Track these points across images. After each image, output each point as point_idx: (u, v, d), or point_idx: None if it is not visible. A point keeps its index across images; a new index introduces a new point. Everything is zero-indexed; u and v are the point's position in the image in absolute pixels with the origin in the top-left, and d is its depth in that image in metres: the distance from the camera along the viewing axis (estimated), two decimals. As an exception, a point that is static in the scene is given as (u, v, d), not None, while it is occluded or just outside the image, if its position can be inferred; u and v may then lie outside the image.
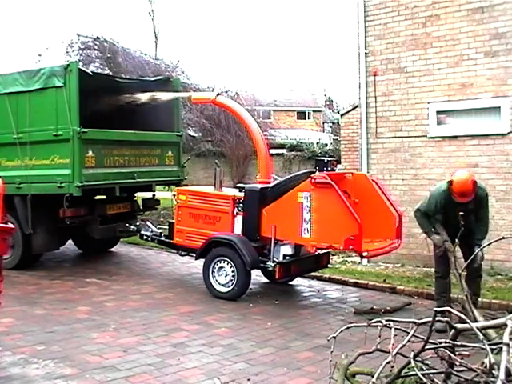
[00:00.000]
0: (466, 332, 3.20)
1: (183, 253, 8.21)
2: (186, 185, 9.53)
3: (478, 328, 2.93)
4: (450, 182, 5.98)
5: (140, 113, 9.18)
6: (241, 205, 7.40)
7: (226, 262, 7.15)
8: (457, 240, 5.39)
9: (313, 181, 6.60)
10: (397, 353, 3.03)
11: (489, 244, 5.84)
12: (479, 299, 6.33)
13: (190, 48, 71.86)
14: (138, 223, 9.45)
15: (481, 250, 5.61)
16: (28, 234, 8.50)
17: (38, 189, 8.33)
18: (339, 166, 12.43)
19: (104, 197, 9.25)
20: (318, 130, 44.90)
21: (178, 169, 9.84)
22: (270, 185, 7.46)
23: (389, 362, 2.99)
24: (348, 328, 3.55)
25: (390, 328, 3.22)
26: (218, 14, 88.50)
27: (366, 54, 9.42)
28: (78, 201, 8.28)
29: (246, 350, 5.31)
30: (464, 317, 3.10)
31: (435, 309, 3.10)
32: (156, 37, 37.76)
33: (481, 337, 2.88)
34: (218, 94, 8.72)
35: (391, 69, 9.22)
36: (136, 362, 4.93)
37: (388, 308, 6.61)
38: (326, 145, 27.76)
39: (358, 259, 9.24)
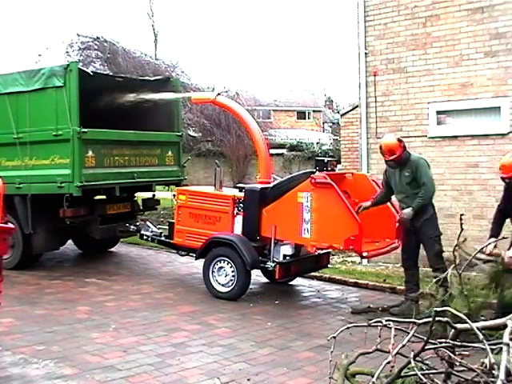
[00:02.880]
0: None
1: (183, 253, 8.21)
2: (186, 185, 9.54)
3: (477, 328, 2.93)
4: (380, 146, 6.67)
5: (140, 113, 9.18)
6: (241, 205, 7.40)
7: (226, 262, 7.15)
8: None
9: (313, 181, 6.60)
10: (397, 353, 3.03)
11: (489, 244, 5.85)
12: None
13: (190, 48, 71.96)
14: (137, 223, 9.45)
15: (413, 209, 6.29)
16: (28, 234, 8.50)
17: (38, 189, 8.33)
18: (339, 166, 12.43)
19: (104, 197, 9.25)
20: (317, 130, 44.93)
21: (178, 169, 9.83)
22: (270, 185, 7.46)
23: (389, 362, 2.99)
24: (348, 328, 3.55)
25: (390, 328, 3.22)
26: (217, 13, 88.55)
27: (365, 53, 9.42)
28: (78, 201, 8.28)
29: (245, 350, 5.31)
30: (464, 317, 3.09)
31: (435, 309, 3.10)
32: (155, 37, 37.79)
33: (481, 337, 2.88)
34: (218, 94, 8.72)
35: (391, 69, 9.22)
36: (136, 362, 4.93)
37: (385, 306, 6.62)
38: (326, 145, 27.78)
39: (358, 259, 9.24)
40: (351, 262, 9.39)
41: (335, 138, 27.72)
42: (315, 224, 6.59)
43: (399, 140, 6.54)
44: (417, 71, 8.96)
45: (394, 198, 7.79)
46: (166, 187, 10.26)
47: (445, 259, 6.34)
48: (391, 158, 6.50)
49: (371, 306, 6.72)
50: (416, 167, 6.45)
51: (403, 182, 6.52)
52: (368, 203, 6.77)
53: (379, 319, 3.38)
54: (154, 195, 10.08)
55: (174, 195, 8.26)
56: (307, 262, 7.57)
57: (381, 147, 6.65)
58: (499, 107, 8.28)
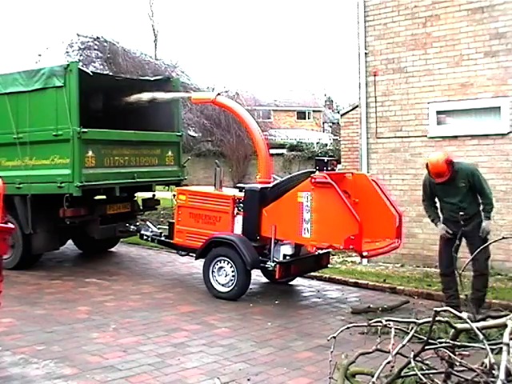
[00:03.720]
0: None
1: (183, 253, 8.21)
2: (186, 185, 9.53)
3: (477, 328, 2.93)
4: (427, 164, 6.40)
5: (140, 113, 9.17)
6: (241, 205, 7.40)
7: (226, 262, 7.15)
8: (457, 241, 5.47)
9: (313, 181, 6.60)
10: (397, 353, 3.03)
11: (489, 244, 5.86)
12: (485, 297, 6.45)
13: (190, 48, 71.97)
14: (137, 223, 9.45)
15: (489, 218, 6.12)
16: (28, 234, 8.50)
17: (38, 189, 8.33)
18: (339, 166, 12.43)
19: (104, 197, 9.25)
20: (317, 130, 44.92)
21: (178, 169, 9.83)
22: (270, 185, 7.45)
23: (389, 362, 2.99)
24: (348, 328, 3.55)
25: (390, 328, 3.22)
26: (217, 14, 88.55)
27: (365, 53, 9.42)
28: (78, 201, 8.28)
29: (245, 350, 5.31)
30: (464, 317, 3.09)
31: (435, 309, 3.10)
32: (155, 37, 37.83)
33: (481, 337, 2.88)
34: (218, 94, 8.72)
35: (391, 69, 9.22)
36: (136, 362, 4.93)
37: (385, 306, 6.63)
38: (326, 145, 27.78)
39: (358, 259, 9.24)
40: (351, 262, 9.39)
41: (335, 138, 27.73)
42: (315, 224, 6.59)
43: (447, 162, 6.22)
44: (417, 71, 8.96)
45: (393, 197, 7.82)
46: (166, 187, 10.26)
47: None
48: (440, 181, 6.30)
49: (371, 306, 6.72)
50: (472, 177, 6.28)
51: (459, 191, 6.31)
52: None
53: (379, 319, 3.38)
54: (153, 195, 10.09)
55: (174, 195, 8.26)
56: (307, 262, 7.57)
57: (427, 166, 6.42)
58: (499, 107, 8.28)
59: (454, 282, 6.36)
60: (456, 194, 6.34)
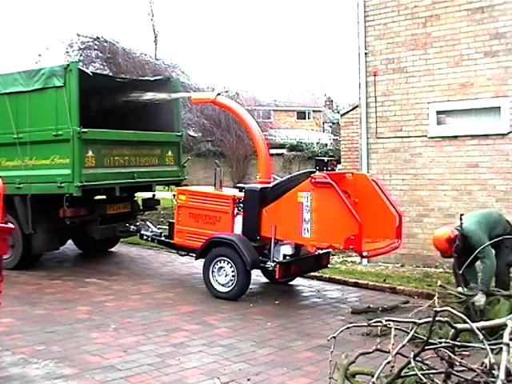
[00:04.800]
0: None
1: (183, 253, 8.21)
2: (186, 185, 9.53)
3: (477, 328, 2.93)
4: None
5: (140, 113, 9.17)
6: (241, 205, 7.40)
7: (226, 262, 7.15)
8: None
9: (313, 181, 6.60)
10: (397, 353, 3.03)
11: (489, 244, 5.85)
12: None
13: (190, 48, 71.97)
14: (137, 223, 9.45)
15: (482, 292, 5.69)
16: (28, 234, 8.50)
17: (38, 189, 8.32)
18: (339, 166, 12.43)
19: (104, 197, 9.25)
20: (318, 130, 44.91)
21: (178, 169, 9.83)
22: (270, 185, 7.46)
23: (389, 362, 2.99)
24: (348, 328, 3.55)
25: (390, 328, 3.22)
26: (217, 14, 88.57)
27: (365, 53, 9.42)
28: (78, 201, 8.27)
29: (245, 350, 5.31)
30: (464, 317, 3.09)
31: (435, 309, 3.10)
32: (155, 37, 37.78)
33: (481, 337, 2.88)
34: (218, 94, 8.72)
35: (391, 69, 9.22)
36: (136, 362, 4.93)
37: (385, 306, 6.63)
38: (326, 145, 27.78)
39: (358, 259, 9.24)
40: (351, 262, 9.39)
41: (335, 138, 27.71)
42: (315, 224, 6.59)
43: (448, 241, 5.97)
44: (417, 71, 8.96)
45: (393, 197, 7.82)
46: (166, 187, 10.26)
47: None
48: (444, 255, 6.18)
49: (371, 306, 6.72)
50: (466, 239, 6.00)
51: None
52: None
53: (379, 319, 3.38)
54: (154, 195, 10.08)
55: (174, 195, 8.26)
56: (307, 262, 7.57)
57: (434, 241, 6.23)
58: (499, 107, 8.28)
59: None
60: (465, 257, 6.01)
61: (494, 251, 6.00)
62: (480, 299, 5.69)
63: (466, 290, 5.93)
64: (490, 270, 5.84)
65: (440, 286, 5.90)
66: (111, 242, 10.35)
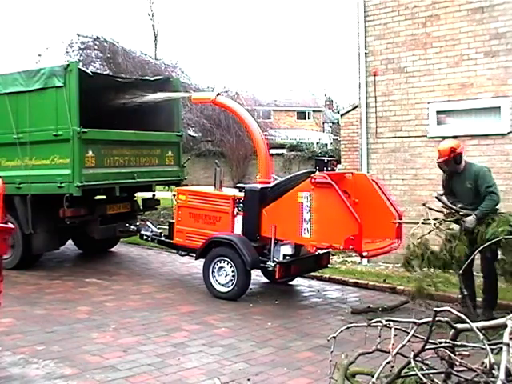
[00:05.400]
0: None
1: (183, 253, 8.21)
2: (186, 185, 9.53)
3: (477, 328, 2.93)
4: None
5: (140, 113, 9.17)
6: (241, 205, 7.40)
7: (226, 262, 7.15)
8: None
9: (313, 181, 6.60)
10: (397, 353, 3.03)
11: (488, 244, 5.85)
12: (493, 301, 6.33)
13: (190, 48, 71.98)
14: (137, 223, 9.45)
15: (475, 216, 6.02)
16: (28, 234, 8.50)
17: (38, 189, 8.33)
18: (339, 166, 12.43)
19: (104, 197, 9.25)
20: (317, 130, 44.93)
21: (178, 169, 9.83)
22: (270, 185, 7.46)
23: (389, 362, 2.99)
24: (348, 328, 3.54)
25: (390, 328, 3.22)
26: (217, 13, 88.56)
27: (365, 53, 9.42)
28: (78, 201, 8.28)
29: (245, 350, 5.31)
30: (464, 317, 3.09)
31: (435, 309, 3.09)
32: (155, 37, 37.78)
33: (481, 337, 2.88)
34: (218, 94, 8.72)
35: (391, 69, 9.22)
36: (136, 362, 4.93)
37: (385, 306, 6.63)
38: (326, 145, 27.78)
39: (358, 259, 9.23)
40: (351, 262, 9.39)
41: (335, 138, 27.71)
42: (315, 224, 6.59)
43: (452, 149, 6.26)
44: (417, 71, 8.96)
45: (393, 197, 7.81)
46: (166, 187, 10.26)
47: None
48: (438, 160, 6.45)
49: (371, 306, 6.72)
50: (476, 179, 6.23)
51: (467, 193, 6.31)
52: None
53: (379, 319, 3.38)
54: (154, 195, 10.09)
55: (174, 195, 8.26)
56: (307, 262, 7.57)
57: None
58: (499, 107, 8.28)
59: (471, 280, 6.33)
60: (464, 195, 6.32)
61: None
62: (471, 221, 6.03)
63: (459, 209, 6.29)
64: (494, 203, 6.11)
65: (423, 204, 6.40)
66: (111, 242, 10.35)
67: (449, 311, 3.13)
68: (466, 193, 6.33)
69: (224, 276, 7.18)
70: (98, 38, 16.14)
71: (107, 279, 8.28)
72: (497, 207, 6.22)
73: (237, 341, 5.58)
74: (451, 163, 6.32)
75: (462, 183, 6.36)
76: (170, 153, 9.67)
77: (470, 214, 6.11)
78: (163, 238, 8.46)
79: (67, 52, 15.91)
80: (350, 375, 3.51)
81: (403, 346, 3.05)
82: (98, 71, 14.26)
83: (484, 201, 6.13)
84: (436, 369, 3.27)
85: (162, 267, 9.32)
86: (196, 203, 7.82)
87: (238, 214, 7.44)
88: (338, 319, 6.41)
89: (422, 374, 3.08)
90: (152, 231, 8.82)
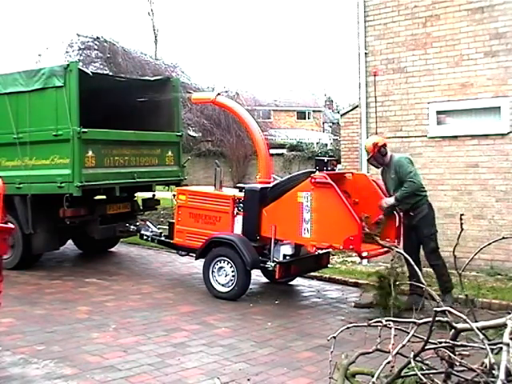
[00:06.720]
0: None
1: (183, 253, 8.21)
2: (186, 185, 9.53)
3: (477, 328, 2.93)
4: None
5: (140, 113, 9.17)
6: (241, 205, 7.40)
7: (226, 262, 7.15)
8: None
9: (313, 181, 6.60)
10: (397, 353, 3.03)
11: (489, 244, 5.84)
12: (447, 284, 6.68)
13: (190, 48, 71.99)
14: (137, 223, 9.45)
15: (395, 199, 6.58)
16: (28, 234, 8.50)
17: (38, 189, 8.32)
18: (339, 166, 12.42)
19: (104, 197, 9.25)
20: (318, 130, 44.94)
21: (178, 169, 9.83)
22: (270, 185, 7.46)
23: (389, 362, 2.99)
24: (348, 328, 3.54)
25: (390, 328, 3.22)
26: (218, 13, 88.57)
27: (365, 53, 9.42)
28: (78, 201, 8.27)
29: (246, 350, 5.31)
30: (464, 317, 3.09)
31: (435, 309, 3.09)
32: (156, 37, 37.73)
33: (481, 337, 2.88)
34: (218, 94, 8.72)
35: (391, 69, 9.22)
36: (136, 362, 4.93)
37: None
38: (326, 145, 27.78)
39: (358, 259, 9.22)
40: (351, 262, 9.38)
41: (335, 138, 27.72)
42: (315, 224, 6.59)
43: (374, 145, 6.75)
44: (417, 71, 8.96)
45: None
46: (166, 187, 10.26)
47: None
48: (367, 158, 6.99)
49: (375, 302, 6.69)
50: (398, 169, 6.67)
51: (392, 184, 6.74)
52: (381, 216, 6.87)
53: (379, 319, 3.38)
54: (153, 195, 10.08)
55: (174, 195, 8.26)
56: (307, 262, 7.57)
57: None
58: (499, 107, 8.28)
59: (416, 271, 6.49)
60: (391, 186, 6.77)
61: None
62: (389, 201, 6.66)
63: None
64: (412, 187, 6.54)
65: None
66: (111, 241, 10.35)
67: (449, 311, 3.13)
68: (392, 183, 6.75)
69: (224, 276, 7.18)
70: (97, 38, 16.14)
71: (107, 279, 8.27)
72: (423, 194, 6.67)
73: (237, 341, 5.58)
74: (379, 157, 6.79)
75: (389, 175, 6.80)
76: (170, 153, 9.67)
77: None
78: (163, 238, 8.46)
79: (67, 52, 15.92)
80: (350, 375, 3.51)
81: (403, 346, 3.05)
82: (98, 71, 14.25)
83: (405, 185, 6.59)
84: (436, 369, 3.28)
85: (161, 267, 9.32)
86: (196, 203, 7.82)
87: (237, 214, 7.44)
88: (338, 319, 6.41)
89: (422, 374, 3.08)
90: (152, 231, 8.82)
